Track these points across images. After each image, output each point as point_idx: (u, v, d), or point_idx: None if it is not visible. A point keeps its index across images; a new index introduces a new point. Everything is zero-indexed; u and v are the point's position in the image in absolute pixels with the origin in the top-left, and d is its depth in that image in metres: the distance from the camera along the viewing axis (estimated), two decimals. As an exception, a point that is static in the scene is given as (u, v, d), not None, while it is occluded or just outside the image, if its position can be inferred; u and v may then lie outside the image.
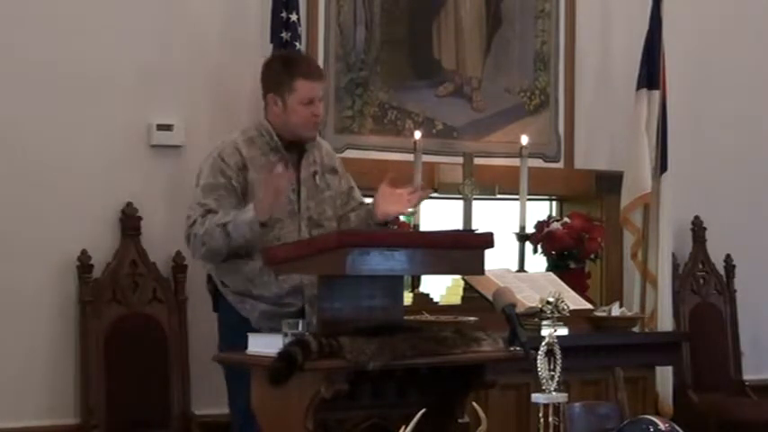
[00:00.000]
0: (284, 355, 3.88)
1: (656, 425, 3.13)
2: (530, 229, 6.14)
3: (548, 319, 5.25)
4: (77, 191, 5.27)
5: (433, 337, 4.14)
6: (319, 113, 4.67)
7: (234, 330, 4.54)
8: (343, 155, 5.83)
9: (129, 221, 5.36)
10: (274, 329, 4.31)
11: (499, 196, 6.18)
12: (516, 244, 6.06)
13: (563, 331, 5.31)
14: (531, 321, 5.20)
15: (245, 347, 4.23)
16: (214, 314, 4.82)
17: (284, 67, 4.65)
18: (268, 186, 4.40)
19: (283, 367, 3.86)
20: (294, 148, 4.67)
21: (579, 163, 6.63)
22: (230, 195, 4.55)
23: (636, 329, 5.78)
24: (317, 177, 4.70)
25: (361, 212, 4.81)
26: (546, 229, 6.21)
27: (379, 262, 4.10)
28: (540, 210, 6.58)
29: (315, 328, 4.12)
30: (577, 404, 4.26)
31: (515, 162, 6.06)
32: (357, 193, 4.91)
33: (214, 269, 4.68)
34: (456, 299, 5.94)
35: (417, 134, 5.87)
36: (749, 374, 6.98)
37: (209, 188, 4.54)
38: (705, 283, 6.98)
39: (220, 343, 4.73)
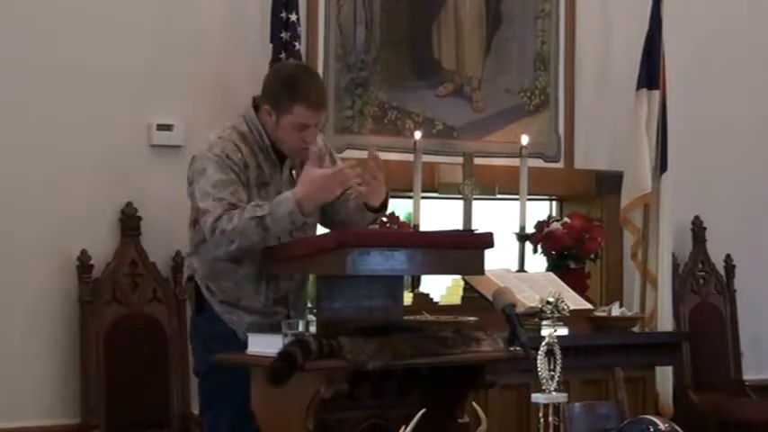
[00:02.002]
0: (284, 355, 3.87)
1: (656, 425, 3.13)
2: (530, 229, 6.14)
3: (548, 319, 5.25)
4: (77, 191, 5.27)
5: (433, 337, 4.14)
6: (310, 141, 4.34)
7: (220, 342, 4.32)
8: (343, 155, 5.82)
9: (129, 221, 5.36)
10: None
11: (499, 196, 6.17)
12: (516, 244, 6.07)
13: (563, 331, 5.31)
14: (531, 321, 5.20)
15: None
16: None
17: (288, 87, 4.34)
18: (335, 179, 4.20)
19: (283, 367, 3.85)
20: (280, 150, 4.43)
21: (579, 163, 6.64)
22: (243, 191, 4.29)
23: (636, 329, 5.78)
24: (293, 173, 4.43)
25: (358, 201, 4.50)
26: (546, 229, 6.21)
27: (379, 262, 4.09)
28: (540, 210, 6.58)
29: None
30: (577, 404, 4.26)
31: (515, 162, 6.06)
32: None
33: (200, 271, 4.42)
34: (456, 299, 5.94)
35: (417, 134, 5.87)
36: (749, 374, 6.98)
37: (223, 183, 4.25)
38: (705, 283, 6.98)
39: (199, 355, 4.48)
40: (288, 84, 4.35)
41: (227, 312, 4.37)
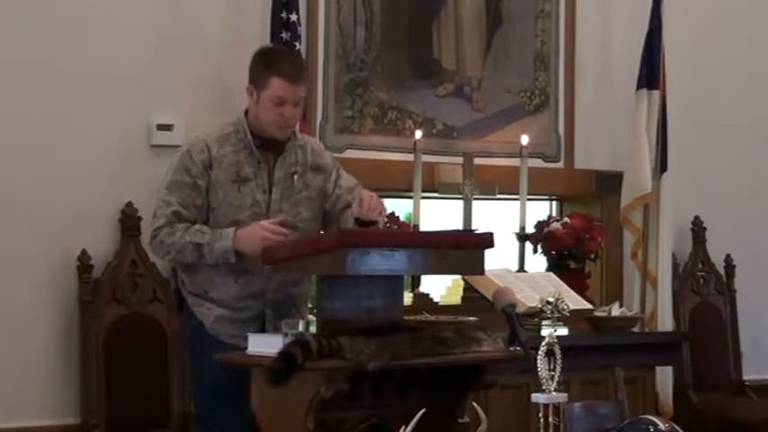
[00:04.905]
0: (284, 355, 3.87)
1: (656, 425, 3.13)
2: (530, 229, 6.14)
3: (548, 319, 5.25)
4: (77, 191, 5.27)
5: (433, 337, 4.14)
6: (288, 116, 4.46)
7: (189, 336, 4.58)
8: (343, 155, 5.83)
9: (129, 221, 5.36)
10: (231, 335, 4.38)
11: (499, 196, 6.18)
12: (516, 244, 6.07)
13: (563, 331, 5.31)
14: (531, 321, 5.20)
15: (207, 354, 4.29)
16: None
17: (264, 62, 4.53)
18: (264, 235, 4.33)
19: (283, 367, 3.86)
20: (271, 146, 4.52)
21: (579, 163, 6.64)
22: (195, 195, 4.43)
23: (636, 329, 5.78)
24: (295, 177, 4.53)
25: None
26: (546, 229, 6.21)
27: (379, 262, 4.09)
28: (540, 210, 6.58)
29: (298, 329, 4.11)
30: (577, 404, 4.26)
31: (515, 162, 6.07)
32: (357, 191, 4.61)
33: (179, 265, 4.60)
34: (456, 299, 5.94)
35: (418, 134, 5.87)
36: (749, 374, 6.98)
37: (176, 186, 4.43)
38: (705, 283, 6.98)
39: (188, 349, 4.75)
40: (265, 59, 4.56)
41: (197, 305, 4.52)
